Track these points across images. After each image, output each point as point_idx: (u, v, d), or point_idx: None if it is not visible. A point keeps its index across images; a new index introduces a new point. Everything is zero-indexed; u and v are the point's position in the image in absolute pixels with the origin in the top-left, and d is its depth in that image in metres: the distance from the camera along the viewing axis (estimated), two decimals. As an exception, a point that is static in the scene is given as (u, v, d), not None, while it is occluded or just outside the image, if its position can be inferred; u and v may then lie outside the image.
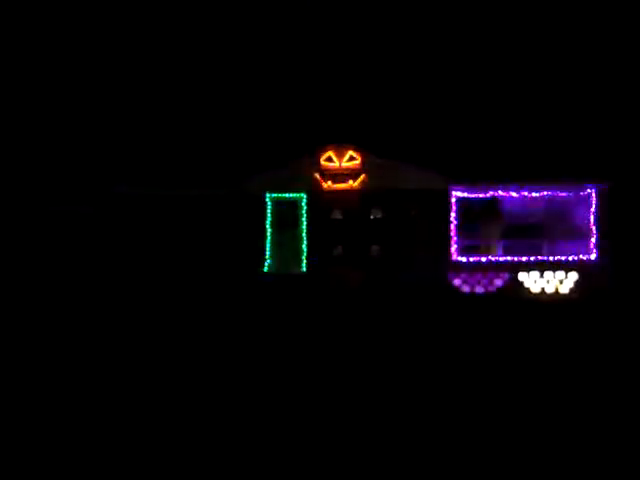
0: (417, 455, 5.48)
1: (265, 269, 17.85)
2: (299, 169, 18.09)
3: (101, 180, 18.54)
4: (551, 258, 17.77)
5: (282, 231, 18.11)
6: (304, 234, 18.06)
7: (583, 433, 5.96)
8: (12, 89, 22.64)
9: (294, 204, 18.19)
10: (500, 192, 18.05)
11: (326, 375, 8.21)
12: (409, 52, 23.13)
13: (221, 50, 24.00)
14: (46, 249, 17.89)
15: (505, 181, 17.90)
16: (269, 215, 18.10)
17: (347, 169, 18.07)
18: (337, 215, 18.17)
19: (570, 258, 17.68)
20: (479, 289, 17.54)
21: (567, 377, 8.02)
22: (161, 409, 6.80)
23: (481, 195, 18.14)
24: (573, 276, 17.50)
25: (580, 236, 17.95)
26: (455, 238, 17.86)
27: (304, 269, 17.92)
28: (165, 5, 24.30)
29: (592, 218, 17.91)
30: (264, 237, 18.01)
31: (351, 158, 18.09)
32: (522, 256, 17.74)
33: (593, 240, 17.79)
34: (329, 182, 18.03)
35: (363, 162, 18.07)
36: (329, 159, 18.11)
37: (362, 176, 17.98)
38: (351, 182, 18.00)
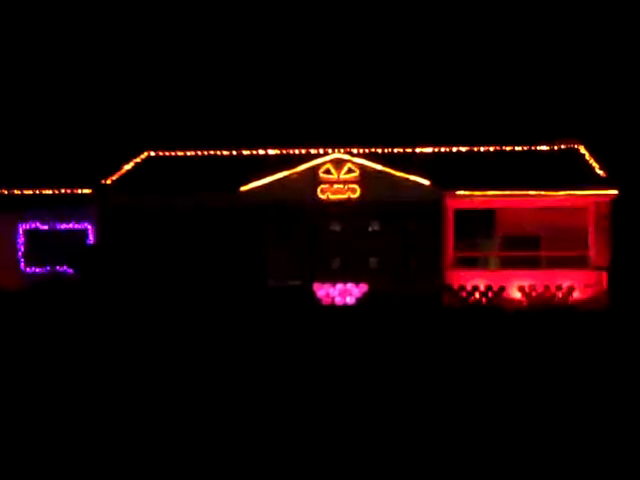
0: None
1: (265, 280, 17.99)
2: (298, 180, 18.23)
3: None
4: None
5: (282, 242, 18.25)
6: (303, 245, 18.18)
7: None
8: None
9: (293, 215, 18.32)
10: (497, 204, 18.03)
11: (322, 385, 8.30)
12: (405, 63, 23.24)
13: (219, 59, 24.23)
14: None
15: (503, 191, 17.87)
16: (268, 226, 18.28)
17: (346, 181, 18.20)
18: (335, 227, 18.30)
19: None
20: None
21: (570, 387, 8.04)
22: (162, 419, 6.88)
23: (478, 207, 18.14)
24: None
25: (579, 248, 17.86)
26: (452, 250, 17.92)
27: (303, 280, 18.04)
28: (167, 6, 24.46)
29: (591, 229, 17.82)
30: (264, 248, 18.18)
31: (349, 170, 18.23)
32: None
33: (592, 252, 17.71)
34: (327, 194, 18.18)
35: (361, 174, 18.19)
36: (328, 171, 18.26)
37: (360, 188, 18.09)
38: (349, 194, 18.12)
